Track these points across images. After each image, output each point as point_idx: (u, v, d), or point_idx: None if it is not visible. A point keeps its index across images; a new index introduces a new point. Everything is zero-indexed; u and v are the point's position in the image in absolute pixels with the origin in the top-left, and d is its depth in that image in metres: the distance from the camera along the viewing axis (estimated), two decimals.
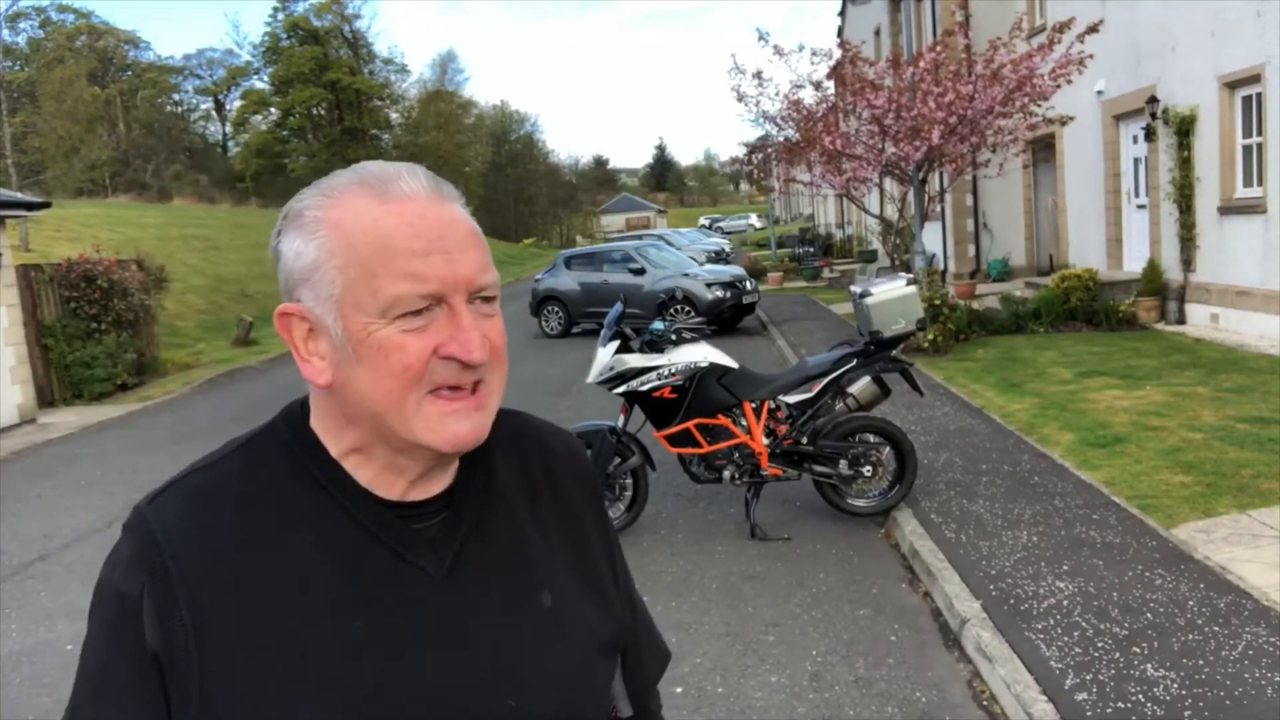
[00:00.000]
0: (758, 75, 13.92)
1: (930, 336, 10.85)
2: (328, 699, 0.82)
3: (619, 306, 5.79)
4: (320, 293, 0.85)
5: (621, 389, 5.50)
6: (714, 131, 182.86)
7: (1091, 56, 11.83)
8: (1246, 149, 10.39)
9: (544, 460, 1.04)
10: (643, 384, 5.45)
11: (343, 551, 0.87)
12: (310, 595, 0.85)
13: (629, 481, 5.64)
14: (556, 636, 0.94)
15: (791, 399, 5.64)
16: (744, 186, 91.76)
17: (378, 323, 0.83)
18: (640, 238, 27.90)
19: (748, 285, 16.04)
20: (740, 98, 14.09)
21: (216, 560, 0.84)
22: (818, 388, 5.60)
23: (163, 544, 0.84)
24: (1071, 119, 13.36)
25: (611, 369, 5.50)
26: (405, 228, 0.83)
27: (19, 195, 13.29)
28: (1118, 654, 3.60)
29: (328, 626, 0.84)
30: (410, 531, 0.90)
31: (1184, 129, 11.19)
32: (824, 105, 14.08)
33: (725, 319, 15.45)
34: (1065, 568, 4.48)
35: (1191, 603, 4.00)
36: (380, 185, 0.85)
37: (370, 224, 0.83)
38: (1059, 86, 11.90)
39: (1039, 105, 12.15)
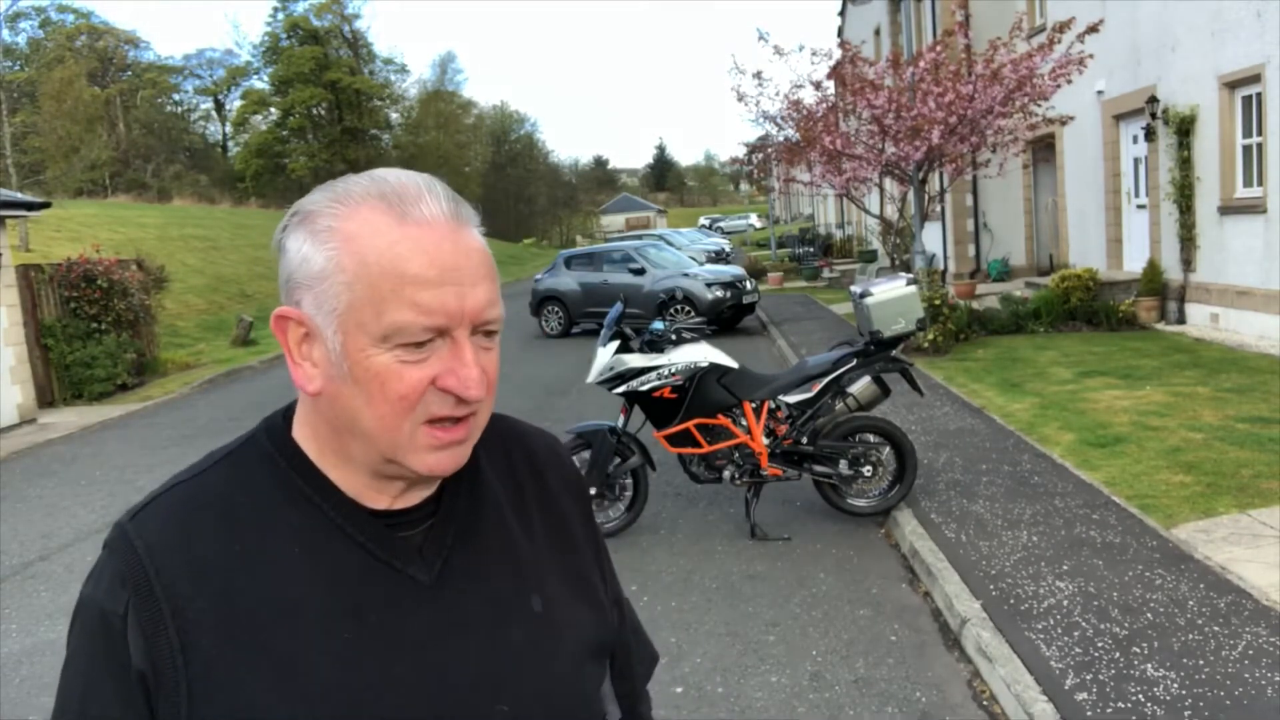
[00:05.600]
0: (758, 75, 14.01)
1: (930, 336, 10.85)
2: (319, 711, 0.81)
3: (619, 306, 5.78)
4: (323, 305, 0.83)
5: (621, 389, 5.50)
6: (714, 131, 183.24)
7: (1091, 56, 11.83)
8: (1246, 149, 10.38)
9: (530, 464, 1.04)
10: (643, 384, 5.45)
11: (330, 562, 0.86)
12: (298, 608, 0.83)
13: (629, 481, 5.64)
14: (547, 641, 0.93)
15: (791, 399, 5.64)
16: (744, 186, 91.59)
17: (378, 348, 0.81)
18: (640, 238, 27.91)
19: (748, 285, 16.04)
20: (740, 98, 14.14)
21: (202, 575, 0.83)
22: (818, 388, 5.60)
23: (146, 560, 0.83)
24: (1071, 119, 13.36)
25: (611, 369, 5.50)
26: (421, 255, 0.81)
27: (19, 195, 13.27)
28: (1118, 654, 3.61)
29: (317, 638, 0.83)
30: (397, 540, 0.89)
31: (1184, 129, 11.19)
32: (824, 105, 14.10)
33: (725, 319, 15.44)
34: (1065, 568, 4.48)
35: (1191, 603, 4.00)
36: (400, 204, 0.82)
37: (386, 246, 0.81)
38: (1059, 86, 11.90)
39: (1039, 105, 12.16)
